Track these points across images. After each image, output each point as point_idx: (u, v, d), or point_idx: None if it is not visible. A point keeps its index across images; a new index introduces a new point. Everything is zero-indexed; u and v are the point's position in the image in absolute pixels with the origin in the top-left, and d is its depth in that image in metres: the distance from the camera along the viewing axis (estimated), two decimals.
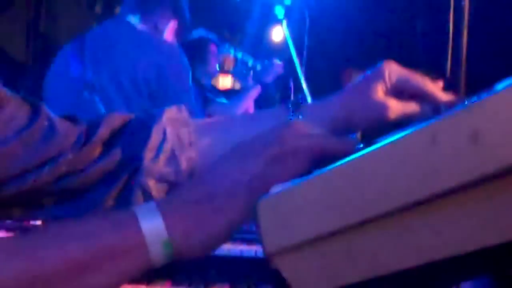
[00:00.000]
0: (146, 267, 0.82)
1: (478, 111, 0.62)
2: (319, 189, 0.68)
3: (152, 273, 2.08)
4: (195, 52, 4.10)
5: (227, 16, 6.38)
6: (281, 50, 5.95)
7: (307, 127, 0.86)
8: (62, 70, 2.96)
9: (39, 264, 0.78)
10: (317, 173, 0.70)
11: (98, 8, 7.95)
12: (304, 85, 3.20)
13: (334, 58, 6.86)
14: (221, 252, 2.04)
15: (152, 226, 0.80)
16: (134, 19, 2.96)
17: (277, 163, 0.81)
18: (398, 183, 0.64)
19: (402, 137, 0.65)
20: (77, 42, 2.96)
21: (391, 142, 0.65)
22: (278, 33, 6.61)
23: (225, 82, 5.26)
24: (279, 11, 3.22)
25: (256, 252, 2.07)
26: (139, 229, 0.80)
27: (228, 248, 2.06)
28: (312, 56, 3.61)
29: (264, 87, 4.21)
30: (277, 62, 4.00)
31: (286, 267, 0.69)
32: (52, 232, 0.83)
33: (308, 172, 0.78)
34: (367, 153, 0.67)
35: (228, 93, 4.49)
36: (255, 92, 4.09)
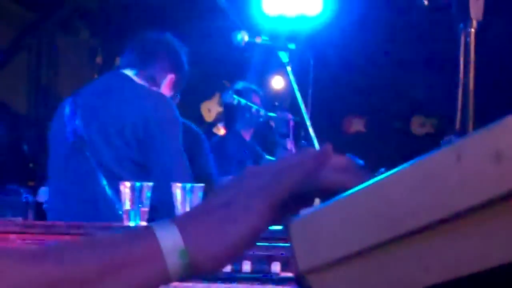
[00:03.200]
0: (164, 279, 0.82)
1: (500, 131, 0.66)
2: (349, 209, 0.71)
3: None
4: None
5: (226, 65, 6.43)
6: (282, 97, 6.01)
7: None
8: (59, 123, 3.01)
9: (64, 270, 0.81)
10: (346, 194, 0.73)
11: (99, 59, 8.02)
12: (311, 129, 3.23)
13: (337, 103, 6.92)
14: None
15: (168, 236, 0.82)
16: (131, 72, 2.99)
17: (288, 170, 0.83)
18: (424, 201, 0.67)
19: (428, 156, 0.68)
20: (72, 98, 3.01)
21: (418, 161, 0.69)
22: (278, 81, 6.69)
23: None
24: (283, 56, 3.25)
25: None
26: (155, 239, 0.82)
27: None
28: (316, 101, 3.65)
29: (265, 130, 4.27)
30: (288, 115, 4.02)
31: (318, 284, 0.72)
32: (76, 244, 0.86)
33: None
34: (395, 172, 0.70)
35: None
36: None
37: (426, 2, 1.78)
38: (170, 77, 3.07)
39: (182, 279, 0.84)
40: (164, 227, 0.83)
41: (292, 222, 0.75)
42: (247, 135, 4.39)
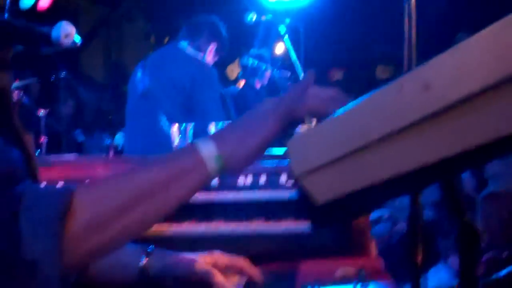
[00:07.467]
0: (207, 178, 0.85)
1: (428, 68, 0.66)
2: (327, 128, 0.73)
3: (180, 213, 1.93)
4: None
5: (242, 38, 6.37)
6: (282, 59, 5.98)
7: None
8: (133, 82, 3.05)
9: (147, 183, 0.84)
10: (326, 119, 0.74)
11: (152, 39, 7.99)
12: None
13: (323, 60, 6.88)
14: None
15: (207, 148, 0.85)
16: (183, 44, 3.04)
17: (288, 97, 0.87)
18: (376, 120, 0.69)
19: (379, 89, 0.69)
20: (142, 62, 3.05)
21: (373, 93, 0.69)
22: (280, 47, 6.63)
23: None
24: (282, 29, 3.23)
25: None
26: (199, 152, 0.85)
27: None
28: (307, 60, 3.63)
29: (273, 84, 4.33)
30: (288, 72, 4.04)
31: (308, 184, 0.73)
32: (146, 164, 0.87)
33: None
34: (360, 101, 0.71)
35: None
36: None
37: None
38: (212, 45, 3.11)
39: (219, 177, 0.89)
40: (203, 142, 0.86)
41: (289, 140, 0.76)
42: (258, 85, 4.48)
